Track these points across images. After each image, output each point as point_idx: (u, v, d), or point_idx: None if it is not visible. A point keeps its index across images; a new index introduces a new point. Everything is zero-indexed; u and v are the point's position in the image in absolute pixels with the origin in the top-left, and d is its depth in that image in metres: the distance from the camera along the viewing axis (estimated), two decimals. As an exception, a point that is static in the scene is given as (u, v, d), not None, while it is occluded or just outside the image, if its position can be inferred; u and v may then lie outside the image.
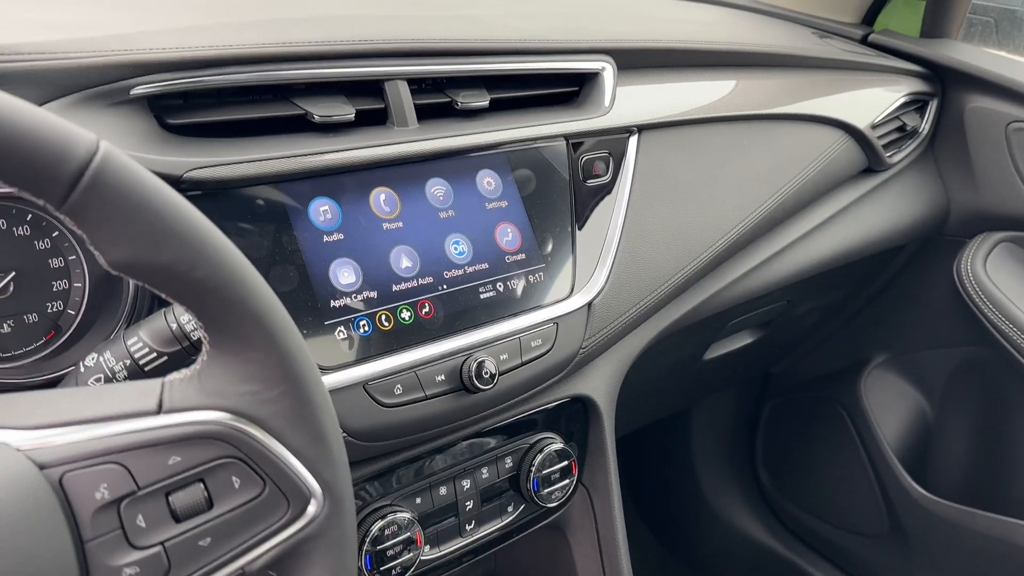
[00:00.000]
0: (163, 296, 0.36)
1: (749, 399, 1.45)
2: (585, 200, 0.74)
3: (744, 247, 0.90)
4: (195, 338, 0.47)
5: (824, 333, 1.32)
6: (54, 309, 0.58)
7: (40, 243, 0.57)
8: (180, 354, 0.47)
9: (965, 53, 1.09)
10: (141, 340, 0.47)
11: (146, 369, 0.47)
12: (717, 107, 0.86)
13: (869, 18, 1.15)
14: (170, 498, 0.36)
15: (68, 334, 0.58)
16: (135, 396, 0.36)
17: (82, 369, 0.47)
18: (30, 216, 0.56)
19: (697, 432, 1.43)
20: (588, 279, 0.72)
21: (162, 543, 0.36)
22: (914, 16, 1.13)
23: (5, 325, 0.56)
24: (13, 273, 0.56)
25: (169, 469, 0.36)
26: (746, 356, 1.15)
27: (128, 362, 0.46)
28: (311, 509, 0.39)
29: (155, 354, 0.47)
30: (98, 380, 0.46)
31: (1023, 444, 1.14)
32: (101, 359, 0.47)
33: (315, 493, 0.39)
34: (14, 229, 0.56)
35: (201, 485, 0.37)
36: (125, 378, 0.47)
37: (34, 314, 0.57)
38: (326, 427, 0.39)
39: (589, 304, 0.72)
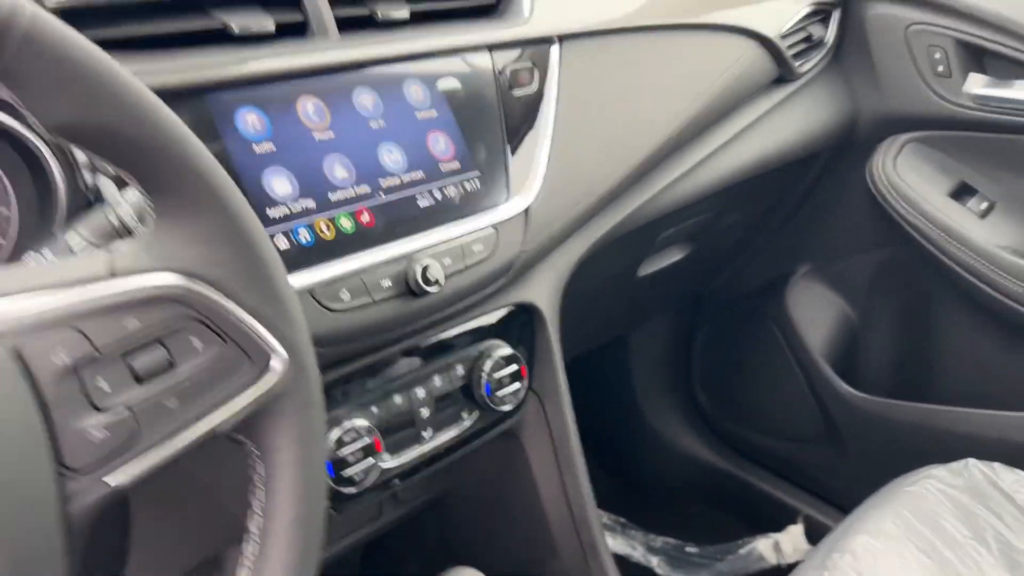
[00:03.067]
0: (105, 161, 0.35)
1: (683, 322, 1.49)
2: (514, 110, 0.75)
3: (669, 156, 0.92)
4: (132, 227, 0.46)
5: (749, 251, 1.36)
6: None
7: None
8: None
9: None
10: (79, 235, 0.45)
11: None
12: (635, 18, 0.87)
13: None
14: (130, 360, 0.36)
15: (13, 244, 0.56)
16: (84, 265, 0.36)
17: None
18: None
19: (635, 358, 1.47)
20: (522, 185, 0.73)
21: (128, 406, 0.36)
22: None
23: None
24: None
25: (126, 331, 0.36)
26: (677, 273, 1.18)
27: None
28: (274, 365, 0.39)
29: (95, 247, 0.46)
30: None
31: (942, 335, 1.21)
32: (40, 255, 0.45)
33: (276, 351, 0.39)
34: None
35: (160, 346, 0.37)
36: None
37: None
38: (280, 286, 0.39)
39: (526, 210, 0.72)
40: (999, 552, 0.84)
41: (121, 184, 0.51)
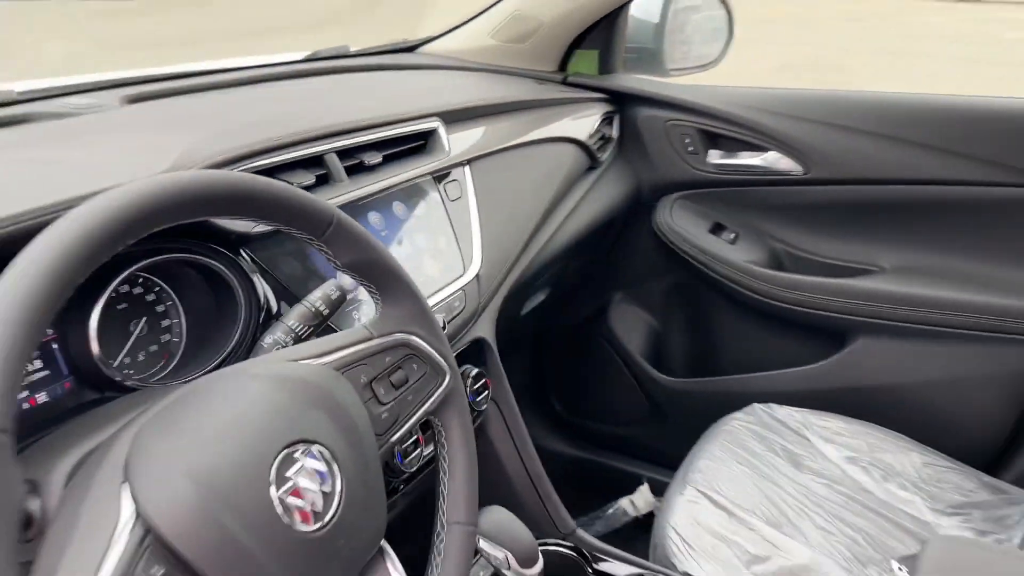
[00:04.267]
0: (359, 280, 0.70)
1: (541, 346, 1.92)
2: (454, 213, 1.14)
3: (540, 227, 1.34)
4: (325, 313, 0.79)
5: (584, 287, 1.83)
6: (165, 340, 0.85)
7: (149, 296, 0.84)
8: (320, 326, 0.79)
9: (629, 81, 1.65)
10: (296, 321, 0.78)
11: (302, 338, 0.78)
12: (507, 140, 1.29)
13: (563, 66, 1.66)
14: (390, 378, 0.70)
15: (177, 358, 0.85)
16: (356, 334, 0.70)
17: (263, 345, 0.77)
18: (141, 280, 0.83)
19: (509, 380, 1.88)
20: (471, 261, 1.12)
21: (393, 399, 0.70)
22: (591, 62, 1.66)
23: (140, 355, 0.82)
24: (144, 318, 0.82)
25: (385, 364, 0.70)
26: (542, 310, 1.60)
27: (291, 337, 0.77)
28: (447, 377, 0.75)
29: (307, 328, 0.78)
30: (277, 348, 0.77)
31: (718, 327, 1.73)
32: (273, 337, 0.77)
33: (447, 369, 0.75)
34: (133, 291, 0.82)
35: (401, 370, 0.71)
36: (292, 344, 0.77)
37: (154, 345, 0.84)
38: (440, 331, 0.75)
39: (477, 275, 1.11)
40: (785, 457, 1.33)
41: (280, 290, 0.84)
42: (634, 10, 1.65)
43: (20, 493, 0.45)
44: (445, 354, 0.75)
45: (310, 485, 0.56)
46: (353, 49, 1.59)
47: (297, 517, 0.55)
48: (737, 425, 1.38)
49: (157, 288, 0.84)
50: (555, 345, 1.93)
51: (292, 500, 0.55)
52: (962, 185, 1.41)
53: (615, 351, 1.81)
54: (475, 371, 1.11)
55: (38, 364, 0.71)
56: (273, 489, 0.54)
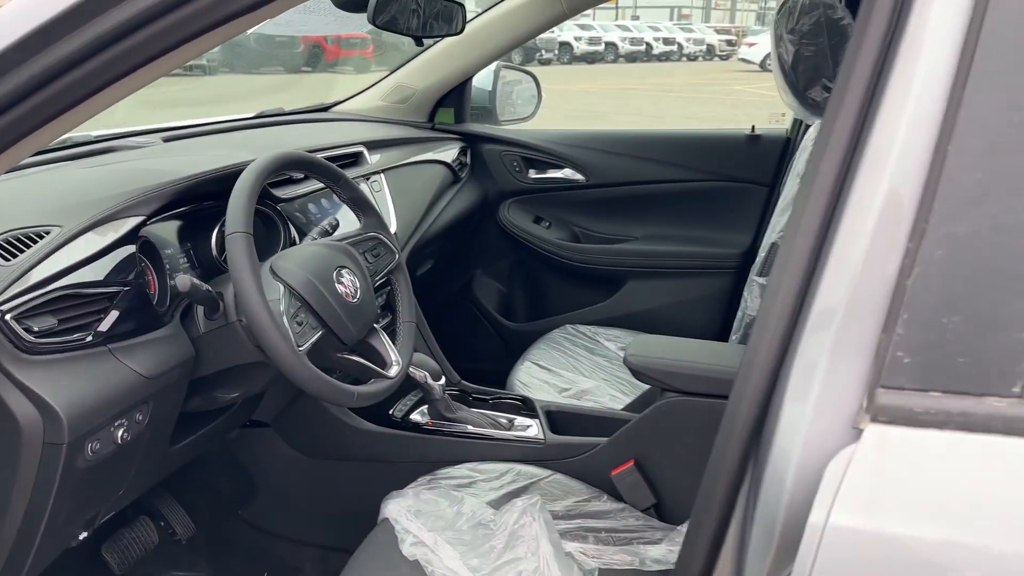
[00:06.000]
0: (352, 208, 1.51)
1: (429, 313, 2.72)
2: (379, 198, 1.95)
3: (423, 219, 2.17)
4: (329, 231, 1.58)
5: (456, 265, 2.65)
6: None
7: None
8: (326, 235, 1.57)
9: (476, 127, 2.53)
10: (318, 234, 1.55)
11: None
12: (401, 160, 2.12)
13: (432, 118, 2.52)
14: (372, 252, 1.50)
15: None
16: (354, 231, 1.49)
17: (313, 237, 1.54)
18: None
19: None
20: (392, 223, 1.93)
21: (372, 261, 1.49)
22: (450, 115, 2.52)
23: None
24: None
25: (368, 244, 1.50)
26: (431, 274, 2.42)
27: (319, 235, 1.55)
28: (396, 255, 1.56)
29: (321, 236, 1.56)
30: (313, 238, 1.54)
31: (548, 285, 2.60)
32: (311, 236, 1.54)
33: (395, 250, 1.56)
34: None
35: (375, 248, 1.51)
36: None
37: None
38: (392, 235, 1.56)
39: (395, 232, 1.92)
40: (582, 348, 2.19)
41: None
42: (476, 82, 2.54)
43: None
44: (395, 244, 1.55)
45: (349, 282, 1.35)
46: (287, 109, 2.40)
47: (346, 291, 1.33)
48: (555, 335, 2.25)
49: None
50: (439, 312, 2.74)
51: (341, 287, 1.33)
52: (674, 182, 2.37)
53: (478, 310, 2.64)
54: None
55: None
56: (335, 277, 1.32)
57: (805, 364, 0.69)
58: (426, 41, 1.71)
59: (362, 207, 1.52)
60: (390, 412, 1.78)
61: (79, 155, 1.56)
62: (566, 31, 23.92)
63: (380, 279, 1.48)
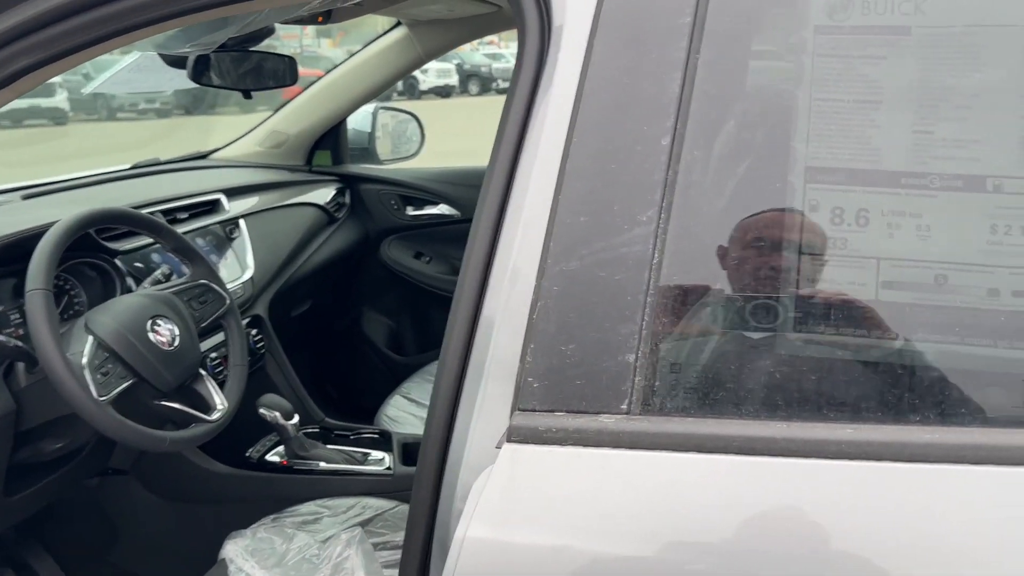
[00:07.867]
0: (180, 259, 1.56)
1: (319, 351, 2.76)
2: (236, 245, 1.99)
3: (290, 260, 2.22)
4: (162, 280, 1.62)
5: (341, 304, 2.70)
6: (79, 305, 1.64)
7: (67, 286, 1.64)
8: (158, 284, 1.62)
9: (354, 168, 2.59)
10: (149, 284, 1.60)
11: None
12: (270, 204, 2.18)
13: (310, 160, 2.58)
14: (200, 298, 1.55)
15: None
16: (183, 280, 1.54)
17: (145, 286, 1.58)
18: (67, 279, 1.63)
19: None
20: (247, 269, 1.98)
21: (200, 307, 1.54)
22: (327, 157, 2.59)
23: (70, 311, 1.62)
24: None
25: (195, 292, 1.55)
26: (310, 315, 2.46)
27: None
28: (227, 300, 1.61)
29: (153, 285, 1.61)
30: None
31: (428, 319, 2.67)
32: (143, 286, 1.59)
33: (225, 296, 1.61)
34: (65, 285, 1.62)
35: (204, 294, 1.57)
36: None
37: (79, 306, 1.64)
38: (222, 281, 1.61)
39: (251, 278, 1.97)
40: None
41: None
42: (355, 124, 2.61)
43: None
44: (225, 290, 1.60)
45: (166, 330, 1.40)
46: (163, 158, 2.44)
47: (161, 340, 1.38)
48: (431, 367, 2.29)
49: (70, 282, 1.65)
50: (328, 349, 2.78)
51: (156, 336, 1.38)
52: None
53: (367, 346, 2.69)
54: (255, 331, 1.95)
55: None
56: (149, 327, 1.37)
57: (470, 392, 0.77)
58: (255, 93, 1.78)
59: (188, 255, 1.57)
60: (247, 454, 1.82)
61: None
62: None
63: (207, 324, 1.53)
